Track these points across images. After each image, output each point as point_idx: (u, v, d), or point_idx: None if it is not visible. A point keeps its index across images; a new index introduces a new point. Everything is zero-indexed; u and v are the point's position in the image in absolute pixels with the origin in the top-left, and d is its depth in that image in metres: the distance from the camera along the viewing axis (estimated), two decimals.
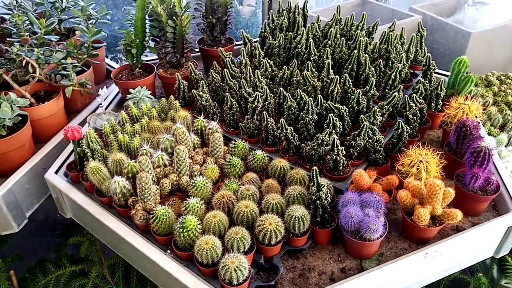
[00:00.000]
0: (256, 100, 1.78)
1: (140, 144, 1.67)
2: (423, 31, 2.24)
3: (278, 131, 1.70)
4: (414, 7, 3.38)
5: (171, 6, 1.97)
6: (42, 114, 1.95)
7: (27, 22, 2.10)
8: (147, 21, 2.03)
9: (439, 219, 1.41)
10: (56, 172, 1.74)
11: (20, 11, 2.19)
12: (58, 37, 2.17)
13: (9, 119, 1.74)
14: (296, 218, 1.37)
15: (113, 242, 1.65)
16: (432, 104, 1.93)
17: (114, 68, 2.58)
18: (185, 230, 1.33)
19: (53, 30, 2.16)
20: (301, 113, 1.76)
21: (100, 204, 1.59)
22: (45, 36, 2.11)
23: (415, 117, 1.78)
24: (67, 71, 1.98)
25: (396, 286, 1.45)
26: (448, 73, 2.25)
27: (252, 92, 1.89)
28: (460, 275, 1.80)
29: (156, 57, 2.47)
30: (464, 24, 3.12)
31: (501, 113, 2.47)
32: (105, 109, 2.02)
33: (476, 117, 1.75)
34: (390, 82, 1.97)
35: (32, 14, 2.18)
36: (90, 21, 2.32)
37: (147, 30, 2.09)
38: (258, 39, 2.45)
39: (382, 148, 1.65)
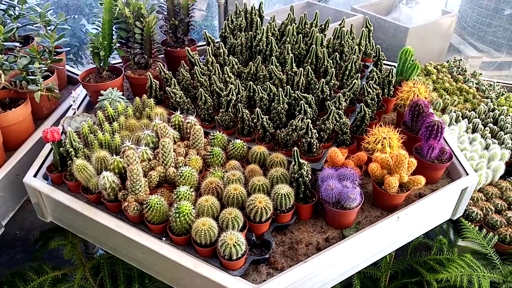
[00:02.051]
0: (231, 93, 1.88)
1: (122, 141, 1.71)
2: (370, 26, 2.47)
3: (255, 120, 1.81)
4: (355, 7, 3.66)
5: (137, 8, 2.02)
6: (10, 121, 1.92)
7: None
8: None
9: (406, 185, 1.59)
10: (34, 176, 1.73)
11: None
12: (18, 43, 2.14)
13: None
14: (283, 195, 1.49)
15: (101, 239, 1.67)
16: (385, 90, 2.14)
17: (74, 73, 2.57)
18: (180, 215, 1.40)
19: (9, 37, 2.13)
20: (273, 104, 1.89)
21: (87, 202, 1.61)
22: (5, 43, 2.07)
23: (373, 102, 1.98)
24: (34, 76, 1.96)
25: (374, 250, 1.61)
26: (394, 64, 2.50)
27: (224, 87, 1.99)
28: (423, 240, 2.01)
29: (119, 60, 2.50)
30: (401, 21, 3.43)
31: (441, 98, 2.77)
32: (74, 112, 2.02)
33: (425, 98, 1.98)
34: (347, 72, 2.15)
35: None
36: (49, 27, 2.30)
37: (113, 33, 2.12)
38: (219, 39, 2.55)
39: (348, 130, 1.82)
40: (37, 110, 2.14)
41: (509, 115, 2.62)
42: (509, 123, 2.54)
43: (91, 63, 2.16)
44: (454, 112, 2.64)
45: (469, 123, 2.54)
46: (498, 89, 2.94)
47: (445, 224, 2.03)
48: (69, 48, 2.28)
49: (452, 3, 5.42)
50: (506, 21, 4.28)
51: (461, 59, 3.16)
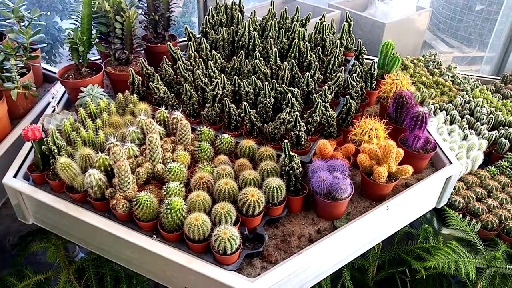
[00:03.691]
0: (217, 88, 1.86)
1: (106, 139, 1.66)
2: (351, 21, 2.49)
3: (242, 114, 1.80)
4: (332, 3, 3.70)
5: (117, 2, 1.97)
6: None
7: None
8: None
9: (394, 175, 1.62)
10: (14, 176, 1.66)
11: None
12: None
13: None
14: (274, 188, 1.48)
15: (87, 239, 1.62)
16: (368, 83, 2.16)
17: (50, 71, 2.48)
18: (172, 211, 1.37)
19: None
20: (259, 98, 1.88)
21: (72, 202, 1.56)
22: None
23: (357, 94, 1.99)
24: (10, 73, 1.88)
25: (365, 239, 1.63)
26: (372, 58, 2.54)
27: (208, 82, 1.96)
28: (409, 229, 2.05)
29: (98, 57, 2.44)
30: (377, 16, 3.49)
31: (418, 91, 2.82)
32: (54, 110, 1.95)
33: (407, 90, 2.01)
34: (330, 66, 2.17)
35: None
36: (23, 23, 2.22)
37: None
38: (199, 35, 2.52)
39: (335, 123, 1.83)
40: (13, 109, 2.05)
41: (485, 107, 2.71)
42: (485, 114, 2.62)
43: (69, 59, 2.09)
44: (432, 104, 2.70)
45: (446, 115, 2.61)
46: (473, 81, 3.03)
47: (428, 213, 2.07)
48: (45, 45, 2.20)
49: (422, 0, 5.56)
50: (476, 17, 4.42)
51: (436, 54, 3.24)
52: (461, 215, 1.97)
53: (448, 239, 1.95)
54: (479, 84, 3.01)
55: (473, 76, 3.14)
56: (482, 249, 1.83)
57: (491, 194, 2.13)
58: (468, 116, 2.63)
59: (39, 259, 2.88)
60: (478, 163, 2.28)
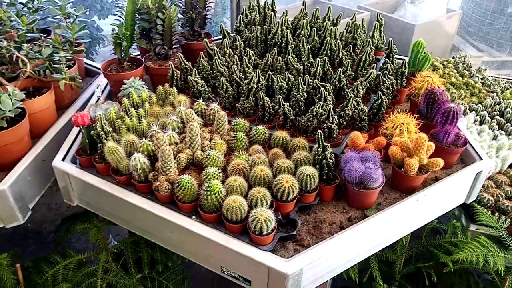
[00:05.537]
0: (252, 82, 1.94)
1: (148, 126, 1.76)
2: (381, 21, 2.54)
3: (276, 107, 1.88)
4: (361, 5, 3.75)
5: (159, 0, 2.08)
6: (36, 109, 1.96)
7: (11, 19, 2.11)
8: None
9: (424, 168, 1.66)
10: (62, 160, 1.78)
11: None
12: (41, 34, 2.19)
13: (9, 111, 1.75)
14: (308, 176, 1.55)
15: (130, 220, 1.72)
16: (398, 81, 2.21)
17: (92, 66, 2.62)
18: (212, 192, 1.45)
19: (32, 28, 2.18)
20: (292, 92, 1.95)
21: (116, 184, 1.66)
22: (28, 34, 2.13)
23: (388, 91, 2.04)
24: (58, 65, 2.01)
25: (395, 229, 1.67)
26: (403, 58, 2.57)
27: (243, 76, 2.05)
28: (437, 225, 2.08)
29: (137, 53, 2.56)
30: (406, 18, 3.52)
31: (448, 92, 2.84)
32: (98, 99, 2.07)
33: (438, 87, 2.05)
34: (361, 63, 2.22)
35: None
36: (69, 20, 2.36)
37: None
38: (233, 33, 2.62)
39: (366, 117, 1.88)
40: (59, 99, 2.18)
41: None
42: None
43: (106, 57, 2.21)
44: (462, 105, 2.71)
45: (476, 116, 2.62)
46: (503, 84, 3.02)
47: (457, 210, 2.09)
48: (90, 40, 2.33)
49: (451, 3, 5.54)
50: (508, 20, 4.38)
51: (466, 56, 3.25)
52: (490, 212, 1.98)
53: (476, 235, 1.97)
54: (510, 86, 3.00)
55: (504, 78, 3.13)
56: (511, 244, 1.84)
57: None
58: (498, 117, 2.63)
59: (73, 246, 3.02)
60: (508, 162, 2.28)
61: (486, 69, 3.15)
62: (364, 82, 2.03)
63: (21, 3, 2.41)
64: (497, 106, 2.72)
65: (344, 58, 2.25)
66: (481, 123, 2.58)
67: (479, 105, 2.72)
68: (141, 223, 1.68)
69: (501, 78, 3.11)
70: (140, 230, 1.72)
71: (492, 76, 3.15)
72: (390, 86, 2.04)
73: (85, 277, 1.87)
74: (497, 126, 2.55)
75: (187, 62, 2.15)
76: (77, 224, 1.93)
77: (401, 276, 2.12)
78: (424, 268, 2.07)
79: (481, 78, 3.04)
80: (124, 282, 1.89)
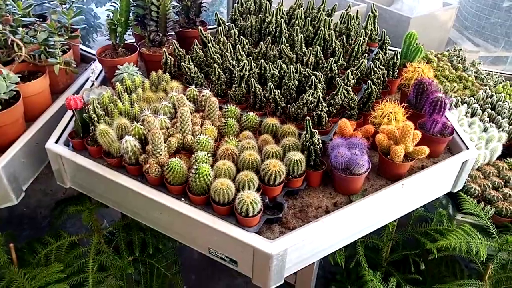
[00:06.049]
0: (244, 69, 1.97)
1: (140, 111, 1.79)
2: (376, 12, 2.56)
3: (267, 95, 1.90)
4: None
5: None
6: (30, 92, 1.99)
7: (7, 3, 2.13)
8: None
9: (410, 155, 1.69)
10: (55, 142, 1.81)
11: None
12: (36, 19, 2.21)
13: (4, 93, 1.78)
14: (295, 161, 1.58)
15: (121, 202, 1.75)
16: (390, 71, 2.23)
17: (87, 52, 2.64)
18: (200, 175, 1.49)
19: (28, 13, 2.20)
20: (284, 80, 1.98)
21: (107, 166, 1.70)
22: (23, 19, 2.15)
23: (379, 81, 2.07)
24: (53, 49, 2.04)
25: (380, 215, 1.71)
26: (396, 49, 2.59)
27: (236, 64, 2.07)
28: (423, 213, 2.11)
29: (132, 40, 2.58)
30: (403, 11, 3.53)
31: (441, 84, 2.87)
32: (93, 84, 2.10)
33: (428, 77, 2.07)
34: (353, 54, 2.24)
35: None
36: (64, 6, 2.37)
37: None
38: (228, 22, 2.63)
39: (356, 106, 1.91)
40: (54, 84, 2.20)
41: (507, 101, 2.73)
42: (506, 109, 2.64)
43: (102, 43, 2.23)
44: (454, 97, 2.73)
45: (468, 108, 2.64)
46: (496, 77, 3.05)
47: (444, 200, 2.13)
48: (85, 26, 2.35)
49: None
50: (505, 15, 4.38)
51: (460, 49, 3.27)
52: (476, 201, 2.02)
53: (461, 224, 2.01)
54: (503, 80, 3.02)
55: (497, 72, 3.15)
56: (495, 233, 1.88)
57: (508, 184, 2.17)
58: (489, 110, 2.66)
59: (68, 229, 3.06)
60: (497, 154, 2.31)
61: (480, 63, 3.17)
62: (355, 71, 2.05)
63: None
64: (489, 99, 2.75)
65: (337, 48, 2.27)
66: (472, 116, 2.61)
67: (471, 98, 2.75)
68: (132, 205, 1.71)
69: (494, 72, 3.14)
70: (131, 212, 1.75)
71: (485, 70, 3.17)
72: (381, 76, 2.07)
73: (77, 258, 1.91)
74: (488, 119, 2.58)
75: (181, 49, 2.17)
76: (70, 207, 1.96)
77: (388, 263, 2.16)
78: (410, 255, 2.11)
79: (474, 72, 3.06)
80: (115, 263, 1.93)
